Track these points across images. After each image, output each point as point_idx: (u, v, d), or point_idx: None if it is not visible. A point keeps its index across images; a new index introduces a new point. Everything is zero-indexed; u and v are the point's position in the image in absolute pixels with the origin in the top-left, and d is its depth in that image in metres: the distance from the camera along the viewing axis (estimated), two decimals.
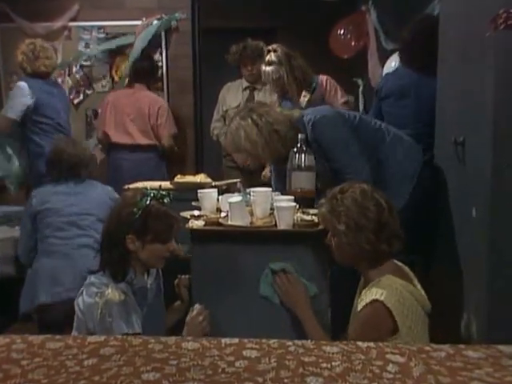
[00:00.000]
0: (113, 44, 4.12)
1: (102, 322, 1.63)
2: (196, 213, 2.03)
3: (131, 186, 2.92)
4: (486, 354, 1.16)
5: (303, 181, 2.07)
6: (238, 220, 1.87)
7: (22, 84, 3.31)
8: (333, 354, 1.17)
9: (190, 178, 2.92)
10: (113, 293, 1.65)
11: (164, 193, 1.83)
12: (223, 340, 1.24)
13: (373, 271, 1.64)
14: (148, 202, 1.75)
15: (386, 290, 1.53)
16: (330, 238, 1.70)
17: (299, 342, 1.23)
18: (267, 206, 1.96)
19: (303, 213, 1.93)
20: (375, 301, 1.52)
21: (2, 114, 3.33)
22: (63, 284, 2.50)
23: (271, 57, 2.95)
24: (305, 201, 2.04)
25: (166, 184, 2.90)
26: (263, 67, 3.02)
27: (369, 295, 1.55)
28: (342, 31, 3.60)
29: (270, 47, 3.01)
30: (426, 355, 1.16)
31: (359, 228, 1.60)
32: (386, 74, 2.89)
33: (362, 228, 1.60)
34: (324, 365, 1.11)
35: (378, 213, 1.60)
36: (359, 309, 1.57)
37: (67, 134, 3.49)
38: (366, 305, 1.54)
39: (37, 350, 1.19)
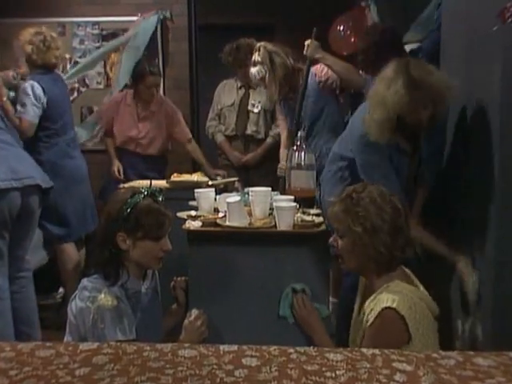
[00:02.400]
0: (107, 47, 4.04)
1: (94, 328, 1.58)
2: (193, 213, 1.98)
3: (126, 184, 2.88)
4: (496, 362, 1.11)
5: (303, 180, 2.02)
6: (237, 220, 1.82)
7: (37, 85, 3.01)
8: (337, 361, 1.12)
9: (186, 177, 2.87)
10: (105, 298, 1.60)
11: (157, 190, 1.77)
12: (221, 347, 1.19)
13: (380, 277, 1.58)
14: (139, 200, 1.70)
15: (397, 297, 1.47)
16: (336, 239, 1.63)
17: (301, 349, 1.18)
18: (266, 206, 1.91)
19: (303, 213, 1.88)
20: (387, 308, 1.46)
21: (25, 118, 2.96)
22: None
23: (255, 56, 2.89)
24: (305, 200, 2.00)
25: (163, 183, 2.85)
26: (250, 68, 2.96)
27: (379, 303, 1.49)
28: (341, 27, 3.54)
29: (256, 46, 2.94)
30: (435, 363, 1.11)
31: (375, 230, 1.53)
32: None
33: (378, 230, 1.53)
34: (328, 374, 1.06)
35: (394, 216, 1.55)
36: (370, 320, 1.50)
37: (70, 137, 3.24)
38: (378, 314, 1.48)
39: (26, 359, 1.13)
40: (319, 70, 2.86)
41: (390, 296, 1.48)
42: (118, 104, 3.62)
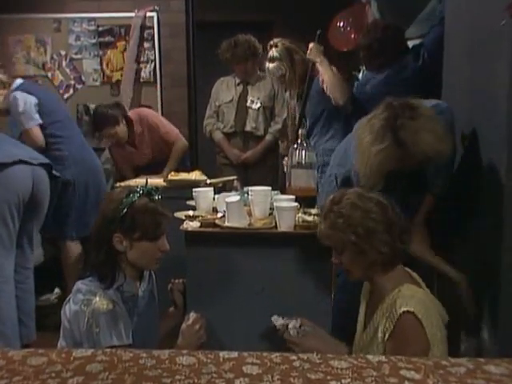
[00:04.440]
0: None
1: (89, 333, 1.53)
2: (191, 213, 1.93)
3: (122, 183, 2.83)
4: (509, 370, 1.07)
5: (303, 179, 1.98)
6: (236, 221, 1.77)
7: (18, 92, 2.97)
8: (342, 369, 1.08)
9: (184, 176, 2.82)
10: (100, 301, 1.55)
11: (153, 189, 1.72)
12: (221, 354, 1.15)
13: (386, 278, 1.52)
14: (135, 199, 1.65)
15: (412, 301, 1.42)
16: (337, 257, 1.56)
17: (304, 356, 1.14)
18: (266, 205, 1.87)
19: (304, 213, 1.83)
20: (405, 312, 1.40)
21: (26, 129, 2.94)
22: None
23: (273, 52, 2.84)
24: (305, 200, 1.95)
25: (160, 181, 2.80)
26: (266, 64, 2.92)
27: (394, 309, 1.42)
28: (341, 24, 3.51)
29: (271, 42, 2.89)
30: (444, 371, 1.06)
31: (370, 233, 1.47)
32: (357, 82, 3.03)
33: (373, 232, 1.47)
34: (333, 382, 1.02)
35: (383, 212, 1.49)
36: (389, 329, 1.43)
37: (76, 131, 3.25)
38: (397, 320, 1.41)
39: (17, 367, 1.09)
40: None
41: (405, 300, 1.42)
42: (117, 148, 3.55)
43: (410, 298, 1.43)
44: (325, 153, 2.68)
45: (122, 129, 3.37)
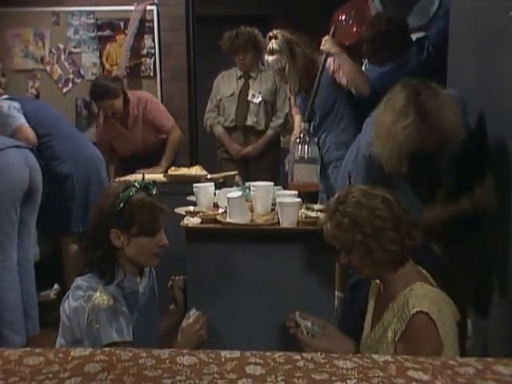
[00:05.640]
0: None
1: (89, 329, 1.50)
2: (191, 208, 1.90)
3: (121, 178, 2.80)
4: None
5: (306, 174, 1.95)
6: (237, 217, 1.74)
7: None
8: (347, 369, 1.05)
9: (184, 171, 2.79)
10: (101, 297, 1.52)
11: (150, 183, 1.68)
12: (223, 353, 1.12)
13: (397, 276, 1.48)
14: (131, 193, 1.61)
15: (426, 300, 1.38)
16: (345, 257, 1.52)
17: (308, 356, 1.11)
18: (269, 201, 1.84)
19: (307, 209, 1.79)
20: (419, 313, 1.36)
21: (16, 127, 2.85)
22: None
23: (272, 44, 2.75)
24: (308, 195, 1.92)
25: (159, 176, 2.77)
26: (265, 56, 2.83)
27: (409, 309, 1.38)
28: (343, 17, 3.46)
29: (270, 33, 2.80)
30: (453, 371, 1.04)
31: (377, 231, 1.43)
32: None
33: (380, 230, 1.43)
34: (338, 383, 0.99)
35: (389, 208, 1.45)
36: (401, 328, 1.39)
37: (71, 129, 3.24)
38: (410, 320, 1.37)
39: (13, 368, 1.06)
40: (333, 63, 2.76)
41: (418, 300, 1.39)
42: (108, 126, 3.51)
43: (423, 297, 1.39)
44: (338, 147, 2.61)
45: (119, 102, 3.37)
